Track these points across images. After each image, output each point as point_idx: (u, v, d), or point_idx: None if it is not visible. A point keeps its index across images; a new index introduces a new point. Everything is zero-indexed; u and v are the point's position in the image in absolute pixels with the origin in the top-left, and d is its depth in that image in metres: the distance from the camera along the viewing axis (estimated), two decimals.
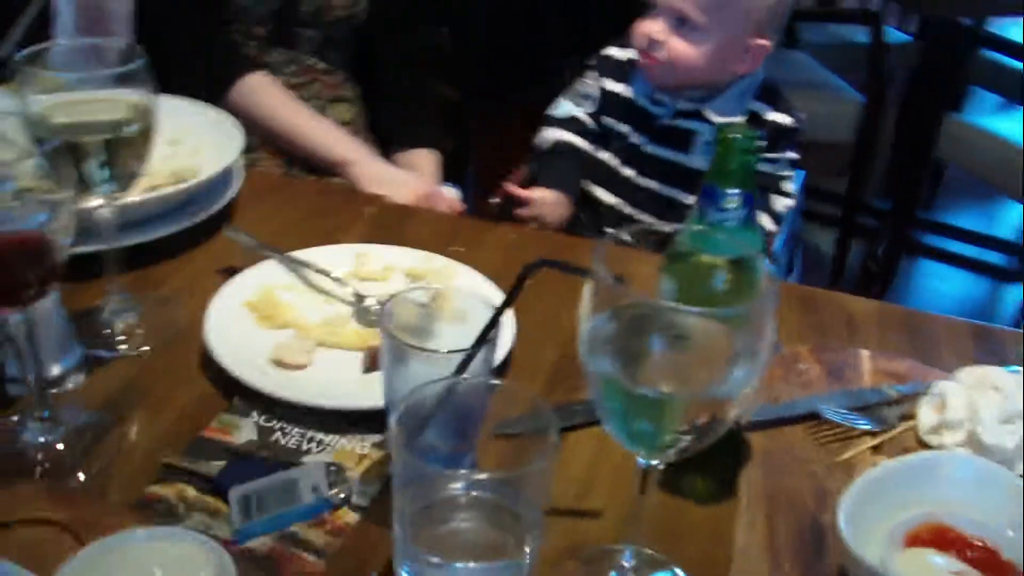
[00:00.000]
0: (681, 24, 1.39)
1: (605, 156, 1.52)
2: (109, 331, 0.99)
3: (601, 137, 1.52)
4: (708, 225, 0.74)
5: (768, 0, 1.36)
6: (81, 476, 0.82)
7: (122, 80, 0.88)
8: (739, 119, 1.42)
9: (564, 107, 1.55)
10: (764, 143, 1.36)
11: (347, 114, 1.69)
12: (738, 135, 0.72)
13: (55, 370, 0.92)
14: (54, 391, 0.90)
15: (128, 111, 0.89)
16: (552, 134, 1.54)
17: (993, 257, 3.46)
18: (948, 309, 3.06)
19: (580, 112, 1.53)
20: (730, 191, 0.73)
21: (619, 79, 1.51)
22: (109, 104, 0.89)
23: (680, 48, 1.40)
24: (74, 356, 0.94)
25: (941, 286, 3.24)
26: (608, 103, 1.51)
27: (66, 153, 0.80)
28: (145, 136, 0.90)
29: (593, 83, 1.53)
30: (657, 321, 0.61)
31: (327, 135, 1.54)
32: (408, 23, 1.72)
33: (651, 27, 1.41)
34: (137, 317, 1.01)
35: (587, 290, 0.60)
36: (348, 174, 1.52)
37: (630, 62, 1.50)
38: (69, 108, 0.88)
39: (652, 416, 0.60)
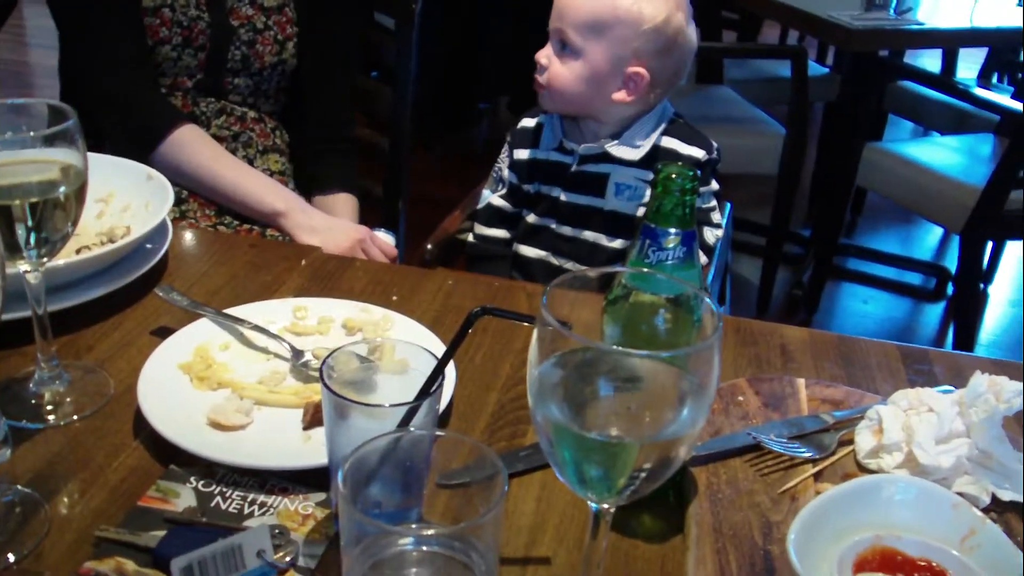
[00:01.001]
0: (563, 48, 1.42)
1: (531, 218, 1.53)
2: (36, 402, 0.96)
3: (526, 200, 1.53)
4: (649, 265, 0.75)
5: (644, 28, 1.37)
6: (11, 556, 0.78)
7: (51, 140, 0.86)
8: (634, 153, 1.44)
9: (484, 197, 1.57)
10: (698, 182, 1.38)
11: (277, 164, 1.67)
12: (676, 175, 0.73)
13: None
14: None
15: (58, 172, 0.87)
16: (478, 231, 1.56)
17: (913, 278, 3.56)
18: (873, 330, 3.14)
19: (496, 198, 1.55)
20: (670, 230, 0.74)
21: (528, 145, 1.52)
22: (38, 165, 0.86)
23: (557, 70, 1.42)
24: (0, 430, 0.90)
25: (865, 308, 3.32)
26: (522, 171, 1.52)
27: None
28: (77, 198, 0.88)
29: (504, 161, 1.55)
30: (604, 365, 0.61)
31: (259, 186, 1.52)
32: (335, 70, 1.72)
33: (541, 52, 1.45)
34: (65, 385, 0.97)
35: (534, 337, 0.60)
36: (281, 225, 1.50)
37: (539, 125, 1.52)
38: None
39: (605, 461, 0.59)
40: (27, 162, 0.88)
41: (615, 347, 0.58)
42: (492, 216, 1.55)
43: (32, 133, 0.88)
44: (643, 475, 0.59)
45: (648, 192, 1.44)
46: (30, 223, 0.86)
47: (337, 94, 1.72)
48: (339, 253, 1.38)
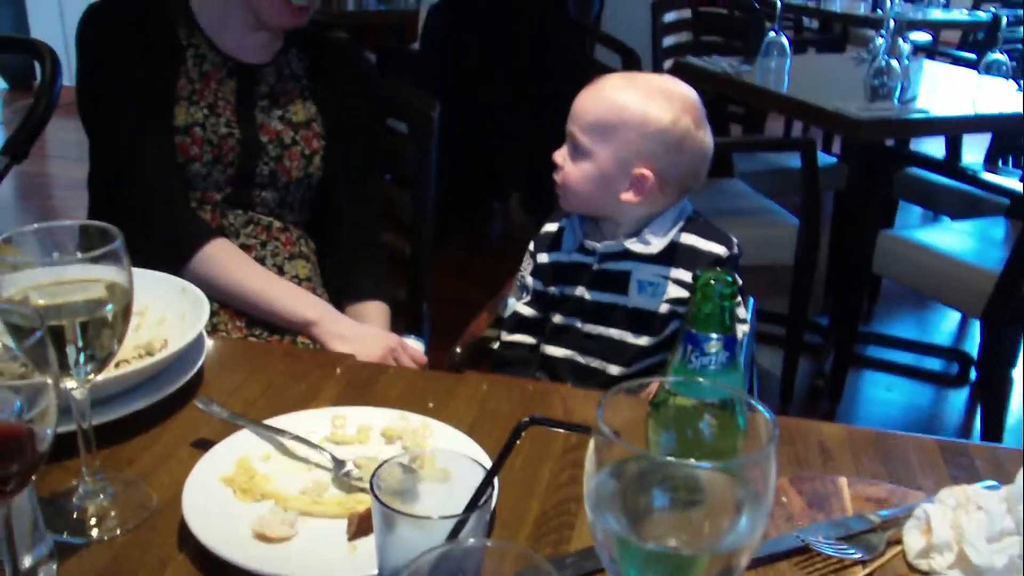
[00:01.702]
0: (575, 149, 1.45)
1: (557, 318, 1.54)
2: (79, 516, 0.96)
3: (551, 304, 1.55)
4: (692, 371, 0.76)
5: (648, 131, 1.39)
6: None
7: (98, 259, 0.88)
8: (653, 248, 1.45)
9: (509, 305, 1.59)
10: (738, 286, 1.40)
11: (304, 270, 1.70)
12: (714, 280, 0.75)
13: (27, 561, 0.88)
14: None
15: (104, 291, 0.89)
16: (505, 338, 1.58)
17: (934, 363, 3.55)
18: (898, 418, 3.12)
19: (521, 306, 1.57)
20: (712, 336, 0.75)
21: (550, 249, 1.55)
22: (84, 285, 0.89)
23: (570, 170, 1.46)
24: (45, 545, 0.90)
25: (888, 396, 3.30)
26: (546, 274, 1.55)
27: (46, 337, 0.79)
28: (123, 315, 0.90)
29: (527, 267, 1.57)
30: (660, 474, 0.62)
31: (290, 296, 1.55)
32: (361, 179, 1.76)
33: (557, 153, 1.48)
34: (109, 499, 0.98)
35: (591, 446, 0.61)
36: (313, 334, 1.52)
37: (560, 229, 1.55)
38: (44, 291, 0.88)
39: (669, 573, 0.60)
40: (71, 281, 0.91)
41: (678, 459, 0.59)
42: (518, 324, 1.57)
43: (79, 254, 0.90)
44: None
45: (669, 288, 1.46)
46: (79, 343, 0.88)
47: (365, 203, 1.76)
48: (371, 361, 1.39)
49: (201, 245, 1.53)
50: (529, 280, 1.56)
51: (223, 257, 1.54)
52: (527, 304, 1.56)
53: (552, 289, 1.54)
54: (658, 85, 1.44)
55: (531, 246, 1.58)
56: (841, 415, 3.08)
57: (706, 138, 1.46)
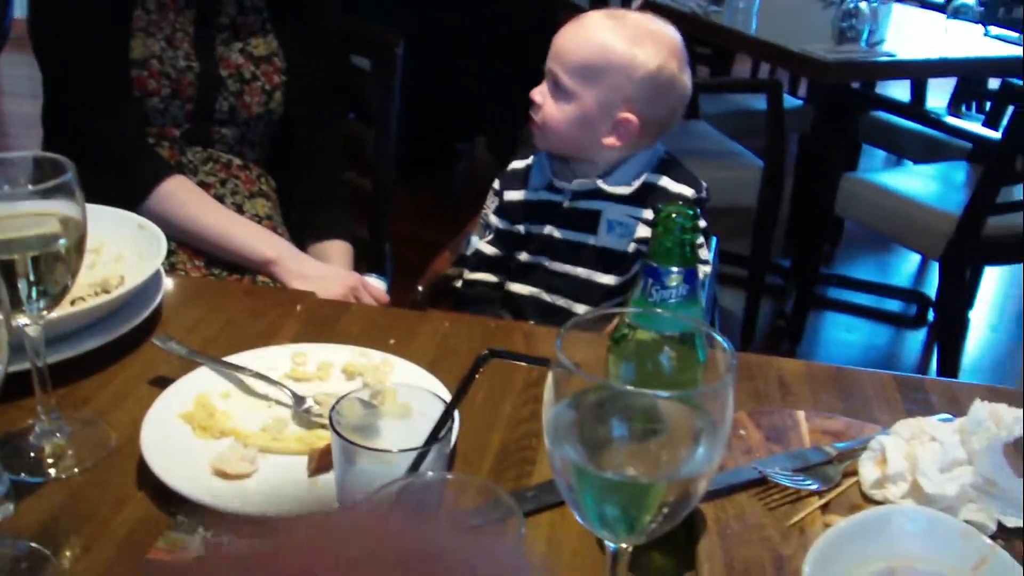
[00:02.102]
0: (556, 88, 1.44)
1: (523, 256, 1.54)
2: (36, 455, 0.95)
3: (516, 242, 1.54)
4: (653, 304, 0.76)
5: (636, 76, 1.38)
6: None
7: (50, 193, 0.86)
8: (625, 189, 1.45)
9: (472, 243, 1.58)
10: (699, 220, 1.40)
11: (264, 209, 1.68)
12: (676, 214, 0.75)
13: None
14: None
15: (58, 225, 0.87)
16: (467, 276, 1.57)
17: (894, 305, 3.60)
18: (857, 358, 3.17)
19: (484, 244, 1.55)
20: (672, 269, 0.75)
21: (518, 187, 1.53)
22: (36, 219, 0.87)
23: (550, 111, 1.44)
24: (2, 484, 0.89)
25: (848, 337, 3.35)
26: (515, 212, 1.53)
27: None
28: (76, 250, 0.88)
29: (491, 206, 1.56)
30: (619, 404, 0.62)
31: (249, 235, 1.53)
32: (322, 117, 1.73)
33: (535, 91, 1.47)
34: (66, 438, 0.97)
35: (549, 379, 0.61)
36: (273, 272, 1.51)
37: (528, 167, 1.54)
38: None
39: (627, 501, 0.60)
40: (25, 215, 0.89)
41: (636, 388, 0.59)
42: (481, 262, 1.56)
43: (31, 186, 0.88)
44: (664, 513, 0.59)
45: (639, 229, 1.46)
46: (31, 277, 0.86)
47: (328, 141, 1.74)
48: (332, 299, 1.38)
49: (158, 182, 1.50)
50: (493, 218, 1.55)
51: (181, 195, 1.51)
52: (490, 242, 1.55)
53: (519, 227, 1.53)
54: (645, 27, 1.41)
55: (496, 184, 1.56)
56: (801, 355, 3.12)
57: (688, 82, 1.45)
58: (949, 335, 2.99)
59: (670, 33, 1.44)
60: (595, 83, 1.40)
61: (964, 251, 2.67)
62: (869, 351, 3.27)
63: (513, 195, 1.53)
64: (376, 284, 1.55)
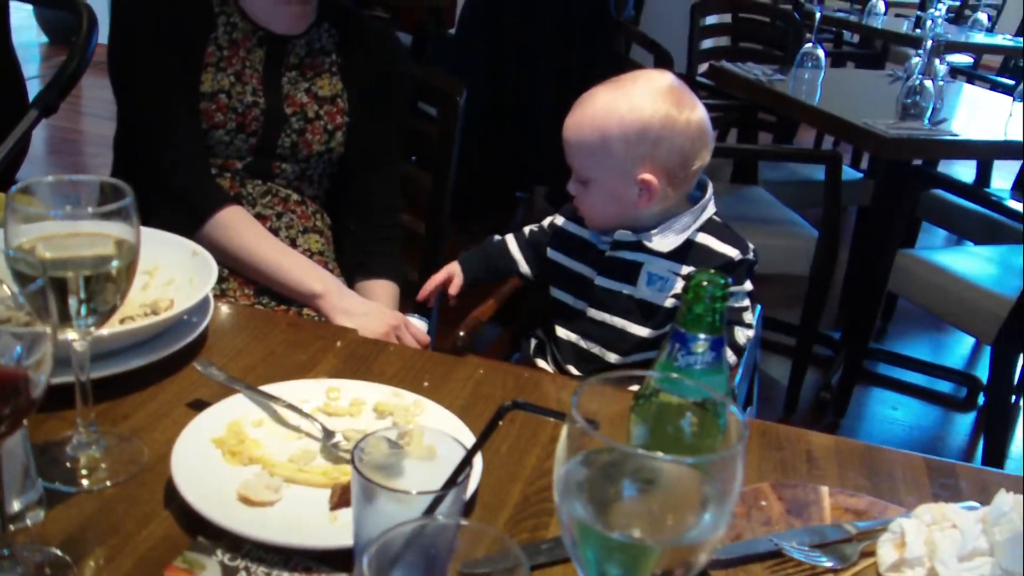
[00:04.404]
0: (579, 178, 1.49)
1: (568, 299, 1.56)
2: (71, 465, 0.98)
3: (557, 274, 1.58)
4: (677, 369, 0.76)
5: (632, 135, 1.39)
6: None
7: (108, 215, 0.90)
8: (666, 245, 1.46)
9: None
10: (731, 290, 1.41)
11: (317, 244, 1.72)
12: (707, 282, 0.75)
13: (15, 506, 0.90)
14: (12, 527, 0.88)
15: (112, 247, 0.90)
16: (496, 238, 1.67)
17: (944, 386, 3.53)
18: (902, 437, 3.10)
19: (527, 228, 1.64)
20: (700, 336, 0.76)
21: (578, 222, 1.57)
22: (93, 239, 0.90)
23: (582, 199, 1.50)
24: (36, 491, 0.92)
25: (894, 414, 3.28)
26: (561, 239, 1.57)
27: (49, 288, 0.81)
28: (127, 272, 0.92)
29: (551, 221, 1.62)
30: (629, 465, 0.62)
31: (298, 268, 1.57)
32: (383, 160, 1.77)
33: (569, 184, 1.51)
34: (101, 451, 1.00)
35: (563, 434, 0.62)
36: (319, 307, 1.54)
37: None
38: (54, 243, 0.89)
39: (627, 562, 0.60)
40: (83, 235, 0.92)
41: (640, 450, 0.59)
42: (517, 232, 1.65)
43: (90, 208, 0.92)
44: None
45: (678, 284, 1.47)
46: (82, 295, 0.90)
47: (386, 184, 1.78)
48: (374, 337, 1.40)
49: (216, 210, 1.54)
50: (547, 228, 1.61)
51: (237, 224, 1.56)
52: (528, 234, 1.64)
53: (559, 257, 1.56)
54: (629, 84, 1.43)
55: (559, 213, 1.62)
56: (844, 430, 3.07)
57: (692, 115, 1.42)
58: (998, 421, 2.91)
59: (653, 76, 1.44)
60: (600, 161, 1.43)
61: (1017, 336, 2.61)
62: (914, 431, 3.20)
63: (567, 224, 1.59)
64: (418, 325, 1.58)
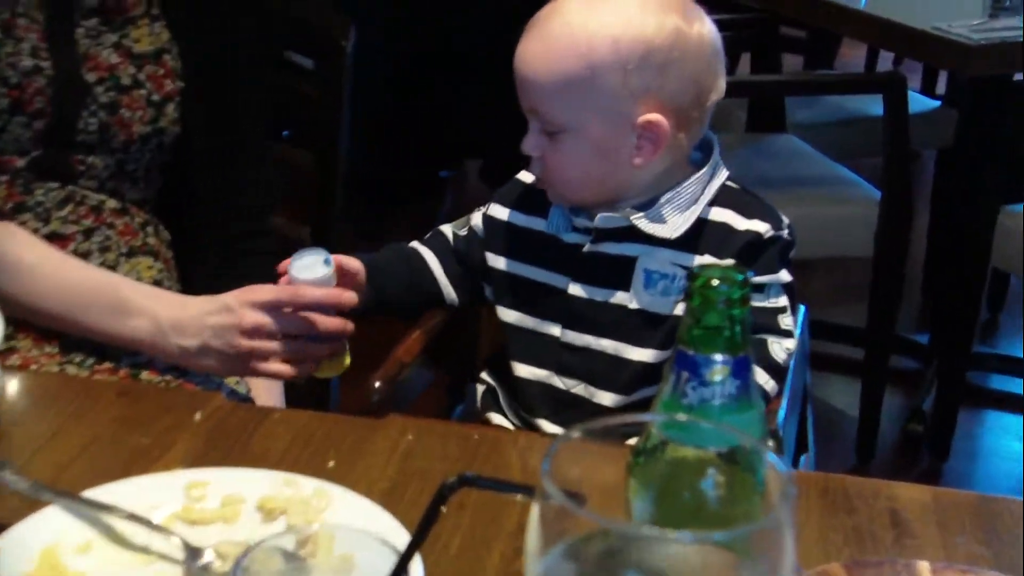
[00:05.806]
0: (547, 129, 1.47)
1: (513, 316, 1.57)
2: None
3: (510, 289, 1.59)
4: (688, 408, 0.78)
5: (634, 59, 1.40)
6: None
7: None
8: (671, 228, 1.47)
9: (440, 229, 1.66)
10: (758, 280, 1.42)
11: (151, 271, 1.69)
12: (718, 281, 0.76)
13: None
14: None
15: None
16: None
17: None
18: None
19: (449, 230, 1.65)
20: (716, 357, 0.77)
21: (530, 211, 1.58)
22: None
23: (553, 160, 1.48)
24: None
25: (1017, 448, 3.30)
26: (506, 238, 1.58)
27: None
28: None
29: (484, 213, 1.62)
30: (633, 553, 0.63)
31: (111, 289, 1.54)
32: (240, 140, 1.77)
33: (525, 142, 1.49)
34: None
35: (532, 516, 0.63)
36: (154, 341, 1.51)
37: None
38: None
39: None
40: None
41: (647, 529, 0.61)
42: (434, 236, 1.66)
43: None
44: None
45: None
46: None
47: (246, 173, 1.77)
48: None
49: None
50: (480, 223, 1.62)
51: (14, 249, 1.53)
52: (453, 239, 1.64)
53: (517, 263, 1.57)
54: None
55: (498, 195, 1.63)
56: (949, 476, 3.09)
57: (704, 29, 1.46)
58: None
59: None
60: (585, 101, 1.43)
61: None
62: None
63: (525, 220, 1.59)
64: (312, 271, 1.50)
